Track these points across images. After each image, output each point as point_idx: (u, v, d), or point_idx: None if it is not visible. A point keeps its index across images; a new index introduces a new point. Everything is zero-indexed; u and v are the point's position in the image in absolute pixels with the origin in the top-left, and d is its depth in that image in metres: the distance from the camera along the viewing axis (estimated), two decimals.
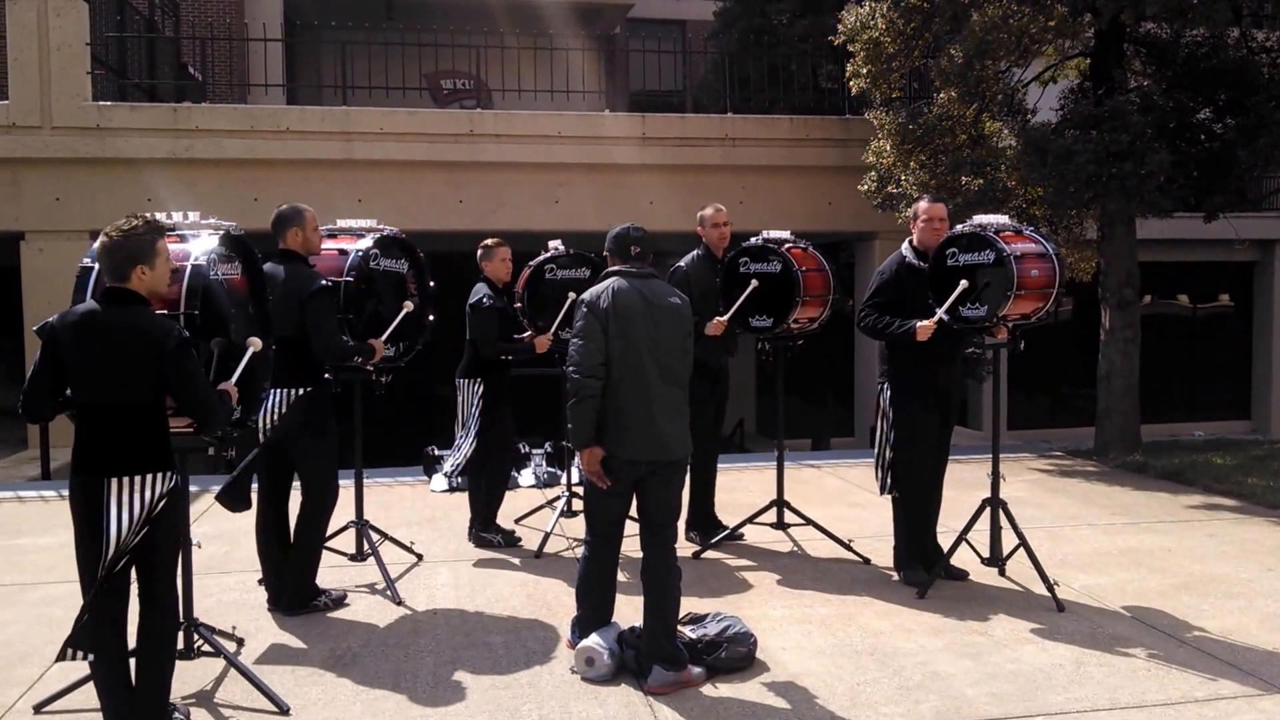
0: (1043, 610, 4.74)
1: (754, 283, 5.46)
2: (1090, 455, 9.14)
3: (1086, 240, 9.69)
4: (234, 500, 4.29)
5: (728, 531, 5.85)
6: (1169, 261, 14.12)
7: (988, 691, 3.86)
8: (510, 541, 5.90)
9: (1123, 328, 9.16)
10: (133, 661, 3.35)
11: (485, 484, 5.93)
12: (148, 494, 3.20)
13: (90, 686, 3.58)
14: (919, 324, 4.80)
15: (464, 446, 5.72)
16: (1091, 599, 4.96)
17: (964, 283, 4.69)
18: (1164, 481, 7.91)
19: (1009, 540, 5.04)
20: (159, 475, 3.23)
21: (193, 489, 3.62)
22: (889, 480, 5.12)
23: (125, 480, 3.17)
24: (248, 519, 6.38)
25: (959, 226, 4.94)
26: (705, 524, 5.85)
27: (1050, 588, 4.80)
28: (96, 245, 3.34)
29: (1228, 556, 5.72)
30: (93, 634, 3.21)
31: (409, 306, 5.07)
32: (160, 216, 3.50)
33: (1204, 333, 15.60)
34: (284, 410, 4.52)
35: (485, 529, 5.92)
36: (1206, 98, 9.42)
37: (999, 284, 4.67)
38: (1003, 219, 4.97)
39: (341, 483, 5.82)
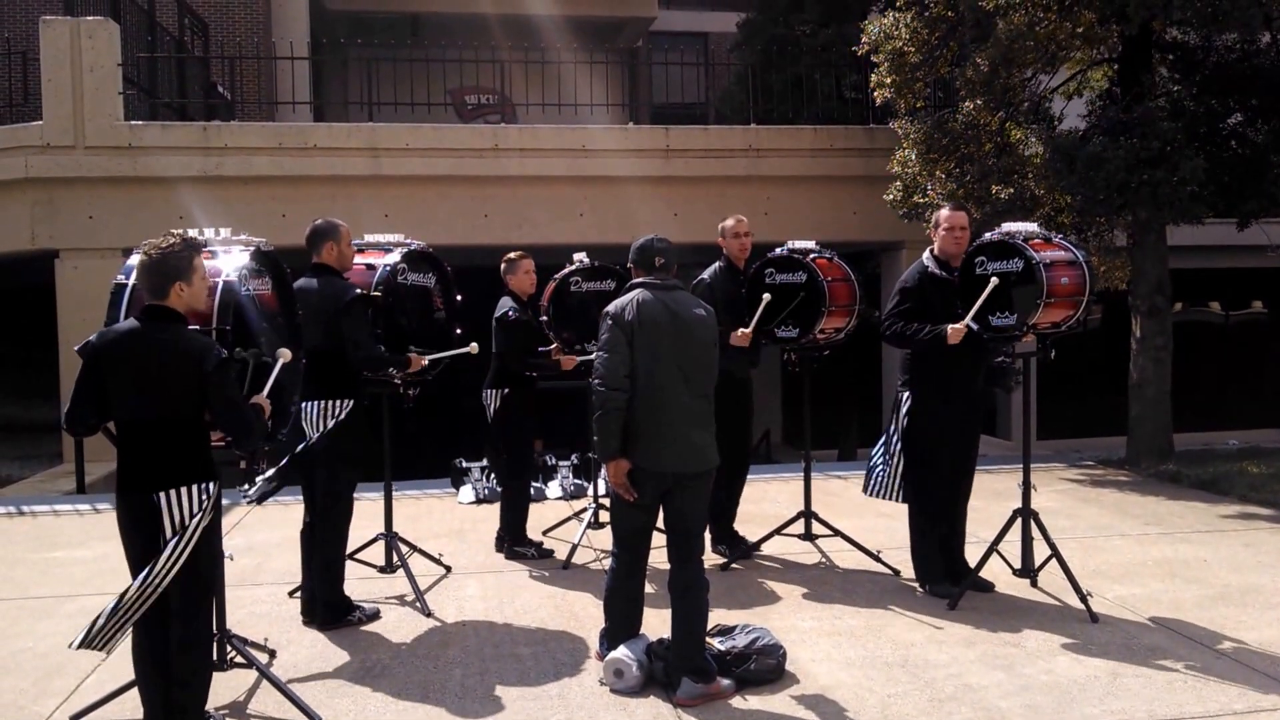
0: (1076, 622, 4.68)
1: (766, 296, 5.44)
2: (1122, 465, 9.02)
3: (1116, 248, 9.59)
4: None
5: (754, 543, 5.83)
6: (1200, 269, 13.93)
7: (1022, 704, 3.82)
8: (543, 554, 5.91)
9: (1154, 335, 9.04)
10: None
11: (508, 496, 5.96)
12: (194, 505, 3.25)
13: (124, 699, 3.63)
14: (950, 327, 4.76)
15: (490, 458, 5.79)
16: (1126, 610, 4.89)
17: (994, 280, 4.65)
18: (1198, 491, 7.79)
19: (1041, 551, 4.99)
20: (203, 486, 3.28)
21: (224, 503, 3.68)
22: (902, 491, 5.09)
23: (173, 493, 3.22)
24: (279, 532, 6.48)
25: (987, 235, 4.90)
26: (728, 539, 5.83)
27: (1083, 599, 4.74)
28: (135, 263, 3.39)
29: (1265, 566, 5.62)
30: (112, 638, 3.23)
31: (422, 363, 4.91)
32: (192, 233, 3.57)
33: (1237, 340, 15.36)
34: (324, 422, 4.56)
35: (517, 543, 5.93)
36: (1238, 103, 9.30)
37: (1029, 292, 4.63)
38: (1031, 226, 4.93)
39: (371, 495, 5.88)
